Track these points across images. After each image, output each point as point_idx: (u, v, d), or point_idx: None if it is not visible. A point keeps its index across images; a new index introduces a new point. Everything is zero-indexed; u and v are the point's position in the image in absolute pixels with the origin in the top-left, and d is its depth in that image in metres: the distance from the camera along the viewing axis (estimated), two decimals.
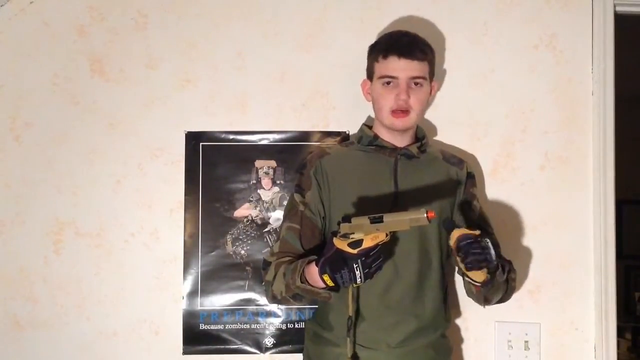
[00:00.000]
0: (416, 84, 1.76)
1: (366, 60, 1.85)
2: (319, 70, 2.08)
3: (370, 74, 1.83)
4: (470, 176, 1.88)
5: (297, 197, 1.80)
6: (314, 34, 2.09)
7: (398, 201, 1.75)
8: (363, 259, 1.50)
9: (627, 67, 2.43)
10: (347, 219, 1.55)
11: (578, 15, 2.10)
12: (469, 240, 1.54)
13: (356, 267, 1.50)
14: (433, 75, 1.83)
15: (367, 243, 1.50)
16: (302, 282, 1.62)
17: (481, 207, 1.88)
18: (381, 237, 1.52)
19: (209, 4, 2.09)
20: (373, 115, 1.89)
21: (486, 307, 1.81)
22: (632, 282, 4.89)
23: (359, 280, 1.52)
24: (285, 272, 1.68)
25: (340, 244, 1.52)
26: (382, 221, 1.49)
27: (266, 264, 1.77)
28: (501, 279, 1.67)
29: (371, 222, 1.50)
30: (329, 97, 2.07)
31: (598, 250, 2.05)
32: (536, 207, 2.06)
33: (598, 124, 2.07)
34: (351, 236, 1.51)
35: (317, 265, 1.57)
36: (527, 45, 2.09)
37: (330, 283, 1.56)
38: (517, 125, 2.08)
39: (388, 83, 1.76)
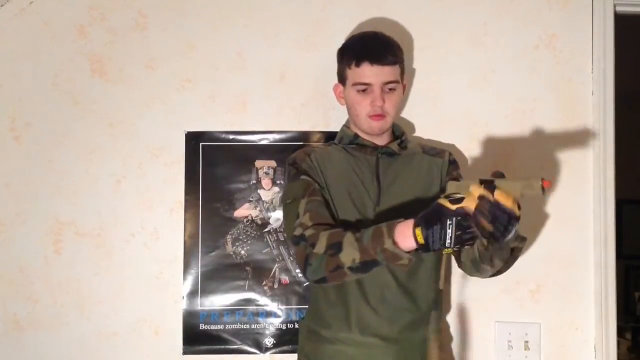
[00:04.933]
0: (390, 89, 1.77)
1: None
2: (319, 70, 2.08)
3: (342, 79, 1.83)
4: (452, 162, 1.86)
5: (305, 178, 1.73)
6: (314, 34, 2.09)
7: (381, 199, 1.75)
8: (459, 218, 1.43)
9: (627, 67, 2.43)
10: (455, 179, 1.56)
11: (578, 15, 2.10)
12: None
13: (449, 225, 1.43)
14: (404, 74, 1.84)
15: (467, 203, 1.43)
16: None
17: None
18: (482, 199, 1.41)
19: (209, 4, 2.10)
20: None
21: (487, 278, 1.72)
22: (632, 282, 4.89)
23: (448, 241, 1.44)
24: (359, 237, 1.57)
25: (442, 200, 1.47)
26: (493, 184, 1.42)
27: (302, 238, 1.63)
28: (512, 244, 1.59)
29: (481, 183, 1.43)
30: (329, 97, 2.07)
31: (598, 250, 2.05)
32: (536, 207, 2.06)
33: (598, 124, 2.07)
34: (454, 195, 1.46)
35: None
36: (527, 45, 2.10)
37: (421, 240, 1.47)
38: (517, 125, 2.08)
39: (363, 90, 1.76)
